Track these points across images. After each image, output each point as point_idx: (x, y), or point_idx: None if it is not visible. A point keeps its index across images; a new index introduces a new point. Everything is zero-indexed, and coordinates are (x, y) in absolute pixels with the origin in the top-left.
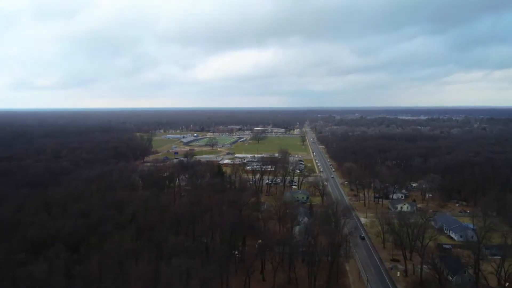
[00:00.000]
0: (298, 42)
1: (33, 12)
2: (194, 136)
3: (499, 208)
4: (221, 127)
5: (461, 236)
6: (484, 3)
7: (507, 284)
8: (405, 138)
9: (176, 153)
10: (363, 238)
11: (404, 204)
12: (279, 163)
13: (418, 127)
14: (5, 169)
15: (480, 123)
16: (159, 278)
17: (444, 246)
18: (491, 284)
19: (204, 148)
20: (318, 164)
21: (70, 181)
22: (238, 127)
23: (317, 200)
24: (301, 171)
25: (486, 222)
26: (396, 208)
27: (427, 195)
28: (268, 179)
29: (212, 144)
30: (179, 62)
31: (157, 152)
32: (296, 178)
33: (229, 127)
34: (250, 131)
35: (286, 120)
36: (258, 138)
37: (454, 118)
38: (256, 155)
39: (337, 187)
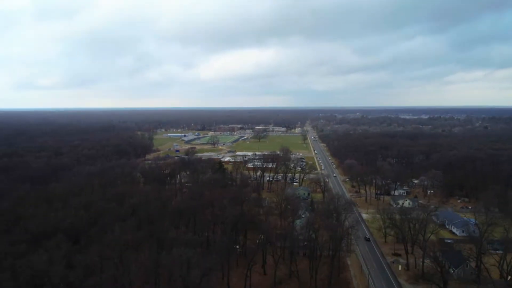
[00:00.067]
0: (299, 41)
1: (34, 12)
2: (196, 135)
3: (501, 204)
4: (222, 126)
5: (463, 231)
6: (484, 2)
7: (509, 277)
8: (407, 136)
9: (177, 151)
10: (368, 240)
11: (406, 200)
12: (280, 161)
13: (420, 125)
14: (6, 165)
15: (482, 122)
16: (159, 267)
17: (446, 240)
18: (493, 277)
19: (206, 146)
20: (320, 161)
21: (71, 176)
22: (239, 126)
23: (318, 196)
24: (302, 169)
25: (488, 217)
26: (398, 204)
27: (429, 191)
28: (270, 176)
29: (213, 142)
30: (180, 62)
31: (158, 150)
32: (297, 175)
33: (231, 126)
34: (251, 130)
35: (287, 119)
36: (259, 136)
37: (455, 117)
38: (257, 153)
39: (339, 184)
